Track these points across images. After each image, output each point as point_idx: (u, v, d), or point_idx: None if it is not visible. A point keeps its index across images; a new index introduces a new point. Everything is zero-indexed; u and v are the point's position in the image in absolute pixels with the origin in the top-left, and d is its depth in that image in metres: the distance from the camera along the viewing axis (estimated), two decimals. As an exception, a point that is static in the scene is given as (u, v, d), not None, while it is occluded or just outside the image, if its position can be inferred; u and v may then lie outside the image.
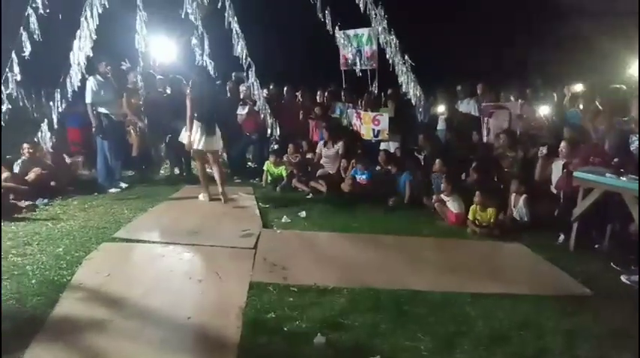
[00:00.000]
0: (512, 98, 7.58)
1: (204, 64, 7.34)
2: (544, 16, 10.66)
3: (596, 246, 4.47)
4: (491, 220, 4.95)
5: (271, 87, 8.41)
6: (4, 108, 5.38)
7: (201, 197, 5.90)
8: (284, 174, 6.87)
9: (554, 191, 5.09)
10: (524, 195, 5.05)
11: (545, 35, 10.41)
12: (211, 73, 7.22)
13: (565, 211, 4.62)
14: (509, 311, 3.17)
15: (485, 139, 7.07)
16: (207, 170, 6.15)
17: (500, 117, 6.95)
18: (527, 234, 4.85)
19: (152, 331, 2.77)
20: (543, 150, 5.40)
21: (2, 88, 5.35)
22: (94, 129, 6.39)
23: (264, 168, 7.07)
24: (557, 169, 5.07)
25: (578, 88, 7.26)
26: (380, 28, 6.87)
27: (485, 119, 7.13)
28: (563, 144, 5.05)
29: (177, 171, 7.67)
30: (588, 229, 4.48)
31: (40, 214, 5.11)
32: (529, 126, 6.72)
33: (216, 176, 5.91)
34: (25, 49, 5.31)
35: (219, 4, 6.79)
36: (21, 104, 7.24)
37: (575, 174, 4.44)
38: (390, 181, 6.37)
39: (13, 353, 2.46)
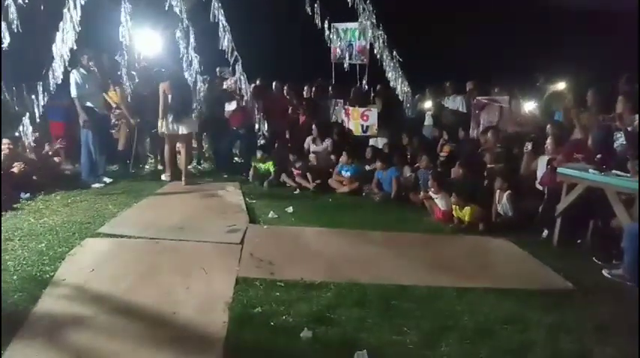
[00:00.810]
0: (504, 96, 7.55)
1: (189, 57, 7.28)
2: (534, 13, 10.73)
3: (579, 241, 4.54)
4: (466, 219, 5.00)
5: (258, 82, 8.35)
6: None
7: (164, 177, 6.59)
8: (271, 169, 6.84)
9: (539, 187, 5.15)
10: (507, 191, 5.10)
11: (534, 33, 10.47)
12: (197, 66, 7.18)
13: (549, 207, 4.68)
14: (494, 306, 3.21)
15: (474, 133, 7.07)
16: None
17: (491, 112, 6.95)
18: (511, 230, 4.88)
19: (137, 327, 2.75)
20: (529, 145, 5.45)
21: None
22: (82, 123, 6.25)
23: (252, 163, 7.03)
24: (542, 165, 5.13)
25: (561, 86, 7.32)
26: (369, 23, 6.86)
27: (477, 111, 7.13)
28: (549, 140, 5.11)
29: (161, 166, 7.58)
30: (571, 224, 4.55)
31: (22, 209, 5.00)
32: (515, 122, 6.77)
33: (182, 158, 6.60)
34: (3, 41, 5.19)
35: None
36: (1, 97, 7.08)
37: (558, 169, 4.50)
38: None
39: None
